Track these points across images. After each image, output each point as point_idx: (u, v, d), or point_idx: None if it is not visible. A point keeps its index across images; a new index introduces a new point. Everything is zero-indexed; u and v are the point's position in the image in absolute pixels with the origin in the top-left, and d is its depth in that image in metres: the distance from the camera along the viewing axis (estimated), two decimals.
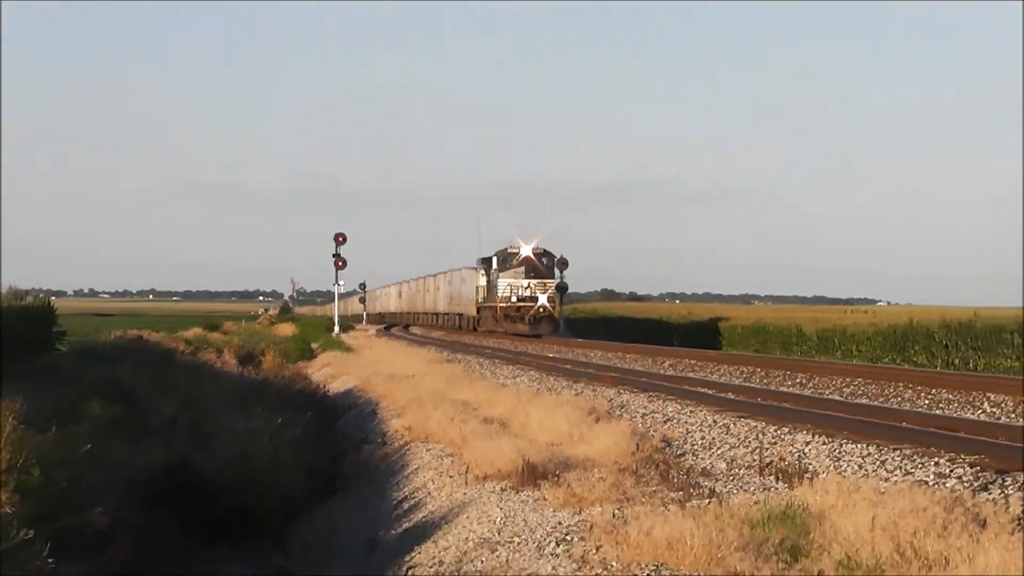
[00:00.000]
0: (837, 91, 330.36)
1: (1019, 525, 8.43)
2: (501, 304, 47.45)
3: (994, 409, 16.94)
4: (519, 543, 10.17)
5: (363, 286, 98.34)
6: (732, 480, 11.77)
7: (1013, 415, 16.22)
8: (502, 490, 12.37)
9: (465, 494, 13.05)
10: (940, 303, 71.22)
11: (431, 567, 11.25)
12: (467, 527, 11.68)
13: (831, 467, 11.70)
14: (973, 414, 16.40)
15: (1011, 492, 9.71)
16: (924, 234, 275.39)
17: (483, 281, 50.76)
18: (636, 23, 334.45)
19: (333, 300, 69.67)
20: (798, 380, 23.19)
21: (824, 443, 13.14)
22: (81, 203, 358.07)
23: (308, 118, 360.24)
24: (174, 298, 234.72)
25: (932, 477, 10.77)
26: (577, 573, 8.61)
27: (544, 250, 48.39)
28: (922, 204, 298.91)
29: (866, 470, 11.42)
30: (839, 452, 12.53)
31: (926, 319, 41.31)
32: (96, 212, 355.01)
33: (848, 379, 22.61)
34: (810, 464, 12.09)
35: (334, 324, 64.02)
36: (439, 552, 11.55)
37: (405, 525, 13.64)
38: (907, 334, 39.95)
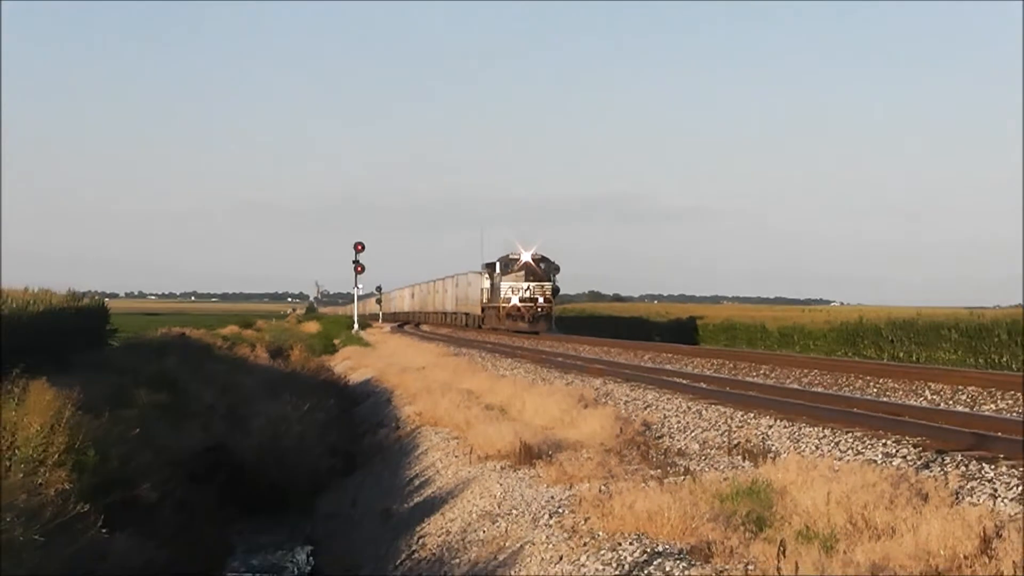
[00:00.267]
0: (795, 121, 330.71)
1: (957, 499, 8.43)
2: (503, 304, 47.38)
3: (934, 396, 16.93)
4: (517, 515, 10.16)
5: (379, 289, 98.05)
6: (704, 459, 11.75)
7: (951, 401, 16.22)
8: (502, 468, 12.36)
9: (469, 472, 13.04)
10: (886, 303, 71.18)
11: (439, 536, 11.24)
12: (471, 501, 11.67)
13: (791, 448, 11.68)
14: (916, 401, 16.39)
15: (949, 470, 9.69)
16: (871, 243, 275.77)
17: (487, 284, 50.65)
18: (623, 60, 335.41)
19: (353, 301, 69.57)
20: (762, 371, 23.18)
21: (785, 427, 13.13)
22: (136, 219, 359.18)
23: (335, 145, 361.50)
24: (213, 299, 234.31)
25: (880, 456, 10.76)
26: (568, 541, 8.59)
27: (542, 256, 48.31)
28: (868, 218, 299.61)
29: (822, 450, 11.41)
30: (798, 435, 12.52)
31: (874, 317, 41.27)
32: (149, 226, 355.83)
33: (806, 370, 22.60)
34: (773, 445, 12.07)
35: (354, 322, 63.97)
36: (446, 523, 11.54)
37: (416, 499, 13.63)
38: (858, 330, 39.91)
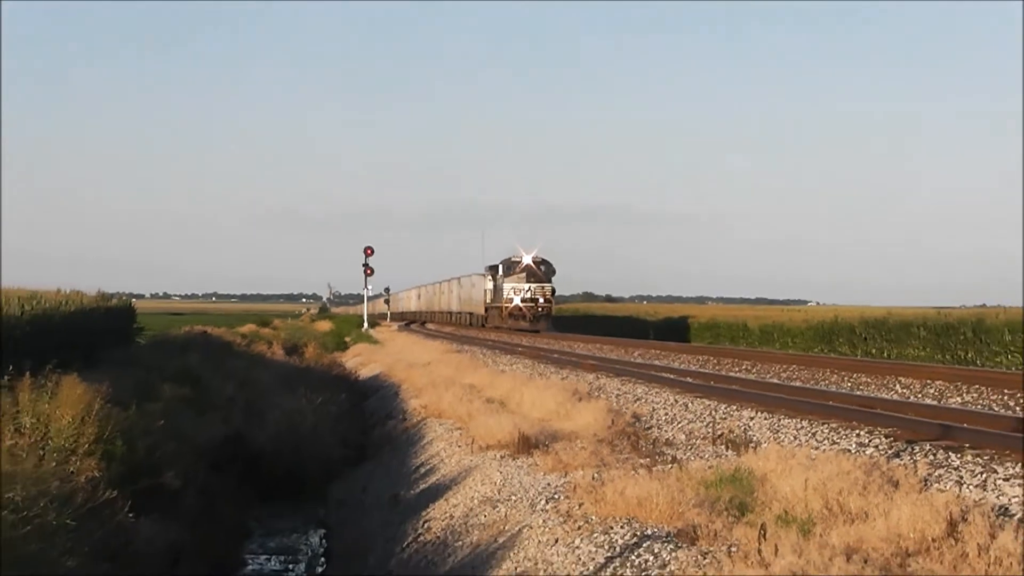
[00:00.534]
0: (779, 133, 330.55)
1: (925, 485, 8.43)
2: (506, 304, 47.29)
3: (904, 390, 16.93)
4: (515, 501, 10.16)
5: (387, 290, 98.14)
6: (690, 449, 11.74)
7: (920, 395, 16.22)
8: (501, 457, 12.35)
9: (471, 461, 13.03)
10: (860, 303, 71.10)
11: (444, 520, 11.24)
12: (473, 487, 11.67)
13: (771, 438, 11.67)
14: (887, 394, 16.39)
15: (918, 458, 9.69)
16: (846, 247, 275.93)
17: (490, 285, 50.54)
18: (616, 81, 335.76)
19: (363, 301, 69.53)
20: (744, 367, 23.17)
21: (766, 418, 13.12)
22: (163, 225, 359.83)
23: (346, 155, 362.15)
24: (232, 299, 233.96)
25: (854, 446, 10.76)
26: (563, 525, 8.59)
27: (543, 259, 48.20)
28: (843, 224, 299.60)
29: (800, 440, 11.40)
30: (778, 426, 12.51)
31: (849, 316, 41.19)
32: (174, 232, 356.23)
33: (785, 365, 22.59)
34: (754, 436, 12.06)
35: (364, 321, 63.95)
36: (450, 508, 11.54)
37: (422, 486, 13.62)
38: (833, 329, 39.85)
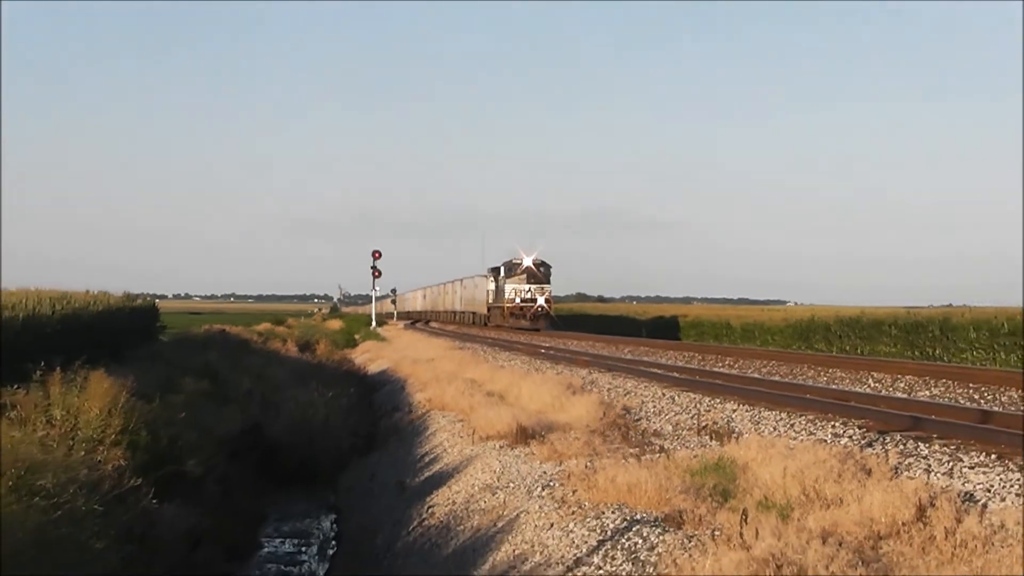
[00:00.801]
0: (768, 145, 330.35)
1: (896, 473, 8.43)
2: (507, 304, 47.21)
3: (876, 384, 16.93)
4: (513, 487, 10.16)
5: (394, 290, 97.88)
6: (677, 439, 11.74)
7: (891, 388, 16.21)
8: (500, 447, 12.35)
9: (472, 450, 13.03)
10: (835, 303, 71.14)
11: (446, 505, 11.23)
12: (474, 475, 11.67)
13: (752, 429, 11.67)
14: (860, 388, 16.38)
15: (890, 448, 9.69)
16: (822, 249, 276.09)
17: (492, 286, 50.45)
18: (612, 88, 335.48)
19: (371, 301, 69.49)
20: (727, 362, 23.17)
21: (747, 410, 13.11)
22: (184, 233, 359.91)
23: (357, 163, 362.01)
24: (249, 300, 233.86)
25: (830, 436, 10.75)
26: (558, 510, 8.59)
27: (542, 261, 48.10)
28: (819, 229, 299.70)
29: (779, 431, 11.40)
30: (758, 417, 12.51)
31: (825, 316, 41.18)
32: (198, 241, 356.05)
33: (765, 361, 22.59)
34: (736, 427, 12.06)
35: (372, 320, 63.94)
36: (452, 494, 11.53)
37: (427, 473, 13.61)
38: (810, 327, 39.86)
